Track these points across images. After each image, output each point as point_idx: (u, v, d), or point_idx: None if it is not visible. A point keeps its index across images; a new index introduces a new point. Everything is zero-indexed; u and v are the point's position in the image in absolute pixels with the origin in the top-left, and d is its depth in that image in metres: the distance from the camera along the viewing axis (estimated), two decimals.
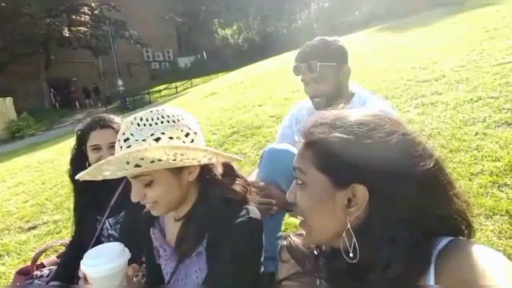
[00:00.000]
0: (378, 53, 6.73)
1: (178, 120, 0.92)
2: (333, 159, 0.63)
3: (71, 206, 1.69)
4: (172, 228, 1.06)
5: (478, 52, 4.60)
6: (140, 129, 0.88)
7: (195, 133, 0.94)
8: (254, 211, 0.97)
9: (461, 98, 3.26)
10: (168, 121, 0.90)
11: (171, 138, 0.89)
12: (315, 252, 0.76)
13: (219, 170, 1.02)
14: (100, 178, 0.89)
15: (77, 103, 25.73)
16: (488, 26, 6.02)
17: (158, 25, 32.37)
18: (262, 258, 1.03)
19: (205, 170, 0.99)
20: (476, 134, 2.52)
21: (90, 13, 25.05)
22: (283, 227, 1.95)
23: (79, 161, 1.56)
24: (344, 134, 0.63)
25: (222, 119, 5.15)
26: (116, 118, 1.60)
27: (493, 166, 2.06)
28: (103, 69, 28.64)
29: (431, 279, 0.59)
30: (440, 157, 0.66)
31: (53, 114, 21.68)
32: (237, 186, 1.01)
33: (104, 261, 0.86)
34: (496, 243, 1.52)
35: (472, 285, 0.52)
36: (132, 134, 0.88)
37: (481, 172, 2.05)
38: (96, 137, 1.53)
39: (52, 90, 25.73)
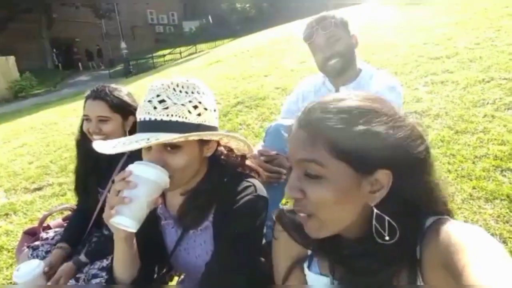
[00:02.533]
0: (390, 25, 6.48)
1: (208, 94, 0.95)
2: (357, 147, 0.61)
3: None
4: (174, 199, 1.07)
5: (495, 30, 4.43)
6: (177, 94, 0.89)
7: (216, 110, 0.97)
8: (260, 187, 0.98)
9: (472, 78, 3.18)
10: (203, 92, 0.93)
11: (206, 109, 0.91)
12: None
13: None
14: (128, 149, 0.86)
15: (80, 64, 25.39)
16: (507, 2, 5.75)
17: None
18: (265, 230, 1.05)
19: (216, 147, 1.01)
20: (485, 116, 2.48)
21: None
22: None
23: (82, 128, 1.56)
24: (364, 122, 0.62)
25: (227, 88, 5.08)
26: (118, 90, 1.54)
27: (498, 150, 2.04)
28: (106, 30, 27.98)
29: (417, 250, 0.63)
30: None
31: (55, 75, 21.44)
32: (246, 161, 1.02)
33: (157, 167, 0.84)
34: (493, 227, 1.55)
35: (449, 262, 0.55)
36: (169, 97, 0.88)
37: (486, 156, 2.04)
38: (88, 107, 1.50)
39: (54, 50, 25.30)
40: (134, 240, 0.93)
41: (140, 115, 0.90)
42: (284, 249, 0.82)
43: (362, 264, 0.67)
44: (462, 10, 6.28)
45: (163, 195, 1.11)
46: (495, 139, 2.17)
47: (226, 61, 8.14)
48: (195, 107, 0.89)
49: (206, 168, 1.02)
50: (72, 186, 1.80)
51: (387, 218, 0.62)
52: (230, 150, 1.06)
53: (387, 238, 0.62)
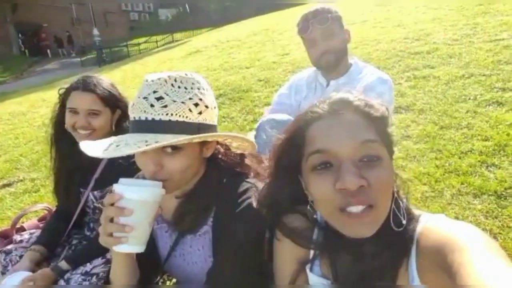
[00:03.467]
0: (369, 20, 6.55)
1: (209, 90, 0.87)
2: (388, 133, 0.67)
3: (49, 164, 1.56)
4: (168, 201, 0.99)
5: (472, 27, 4.55)
6: (176, 91, 0.80)
7: (216, 106, 0.91)
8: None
9: (453, 74, 3.25)
10: (204, 88, 0.85)
11: (206, 107, 0.84)
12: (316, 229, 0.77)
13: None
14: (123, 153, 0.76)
15: (48, 51, 24.11)
16: (481, 0, 5.93)
17: None
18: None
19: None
20: (467, 111, 2.53)
21: None
22: None
23: (61, 123, 1.43)
24: (385, 112, 0.68)
25: (208, 80, 4.90)
26: (105, 81, 1.43)
27: (483, 146, 2.09)
28: (77, 16, 26.65)
29: (412, 256, 0.63)
30: None
31: (22, 61, 20.29)
32: (246, 160, 0.95)
33: (148, 185, 0.78)
34: (483, 222, 1.57)
35: (444, 261, 0.54)
36: (167, 94, 0.79)
37: (471, 151, 2.08)
38: (75, 99, 1.37)
39: (20, 35, 23.84)
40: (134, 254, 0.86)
41: (135, 114, 0.81)
42: (289, 251, 0.79)
43: (366, 247, 0.66)
44: (438, 7, 6.42)
45: None
46: (479, 134, 2.22)
47: (206, 52, 7.95)
48: (196, 104, 0.81)
49: (204, 169, 0.95)
50: (46, 182, 1.67)
51: (403, 203, 0.66)
52: (228, 148, 0.99)
53: (404, 222, 0.64)
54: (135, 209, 0.75)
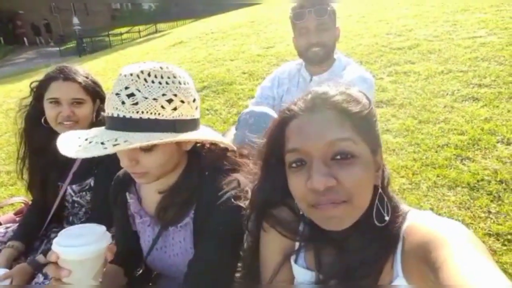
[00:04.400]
0: (353, 15, 6.59)
1: (188, 83, 0.85)
2: (370, 128, 0.66)
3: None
4: (150, 195, 0.99)
5: (452, 24, 4.66)
6: (149, 86, 0.78)
7: (198, 99, 0.88)
8: (244, 182, 0.93)
9: (432, 69, 3.33)
10: (179, 82, 0.82)
11: (182, 101, 0.81)
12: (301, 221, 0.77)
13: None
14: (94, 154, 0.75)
15: (25, 39, 23.21)
16: None
17: None
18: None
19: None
20: (445, 106, 2.61)
21: None
22: None
23: (35, 117, 1.39)
24: (366, 106, 0.67)
25: (192, 72, 4.89)
26: (82, 70, 1.40)
27: (458, 140, 2.16)
28: (56, 3, 25.68)
29: (398, 253, 0.64)
30: None
31: None
32: (228, 154, 0.96)
33: (85, 242, 0.74)
34: (456, 213, 1.64)
35: (428, 258, 0.55)
36: (139, 90, 0.77)
37: (447, 145, 2.15)
38: (56, 89, 1.34)
39: None
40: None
41: (108, 110, 0.80)
42: (275, 242, 0.80)
43: (350, 241, 0.67)
44: (420, 3, 6.54)
45: (136, 192, 1.03)
46: (455, 129, 2.29)
47: (190, 43, 7.83)
48: (170, 100, 0.79)
49: (186, 160, 0.95)
50: (24, 175, 1.61)
51: (386, 199, 0.66)
52: (213, 143, 0.99)
53: (386, 218, 0.64)
54: (73, 269, 0.73)
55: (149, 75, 0.79)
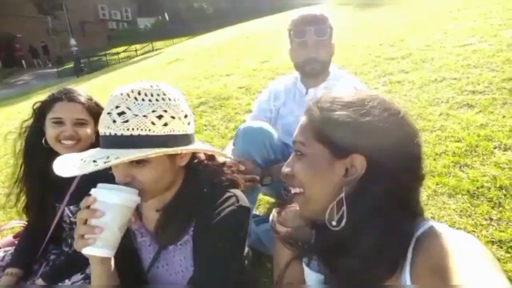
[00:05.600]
0: (346, 26, 6.71)
1: (178, 99, 0.87)
2: (333, 132, 0.69)
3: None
4: (150, 214, 0.99)
5: (443, 32, 4.74)
6: (139, 104, 0.80)
7: (191, 115, 0.90)
8: (242, 197, 0.93)
9: (426, 78, 3.37)
10: (169, 99, 0.84)
11: (173, 117, 0.83)
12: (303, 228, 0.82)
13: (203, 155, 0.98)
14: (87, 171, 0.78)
15: (23, 62, 23.45)
16: (451, 7, 6.20)
17: None
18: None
19: (193, 154, 0.94)
20: (440, 114, 2.63)
21: None
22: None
23: (36, 138, 1.40)
24: (344, 110, 0.69)
25: (189, 89, 4.94)
26: (83, 94, 1.43)
27: (456, 147, 2.17)
28: (53, 26, 26.07)
29: (407, 265, 0.64)
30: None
31: None
32: (225, 169, 0.96)
33: (123, 190, 0.80)
34: (457, 221, 1.63)
35: (441, 270, 0.57)
36: (129, 108, 0.80)
37: (445, 152, 2.16)
38: (60, 110, 1.36)
39: None
40: (112, 261, 0.85)
41: (101, 129, 0.83)
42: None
43: (339, 262, 0.70)
44: (411, 13, 6.67)
45: (138, 210, 1.03)
46: (452, 136, 2.31)
47: (186, 60, 7.94)
48: (160, 116, 0.81)
49: (183, 177, 0.95)
50: (23, 197, 1.61)
51: (344, 207, 0.68)
52: (210, 157, 1.00)
53: (334, 223, 0.69)
54: (105, 211, 0.77)
55: (139, 93, 0.82)
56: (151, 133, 0.80)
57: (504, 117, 2.41)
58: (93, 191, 0.80)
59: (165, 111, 0.82)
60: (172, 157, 0.88)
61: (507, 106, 2.54)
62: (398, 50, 4.46)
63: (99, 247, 0.77)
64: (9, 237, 1.75)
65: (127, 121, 0.79)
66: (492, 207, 1.66)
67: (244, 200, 0.94)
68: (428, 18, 5.83)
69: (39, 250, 1.48)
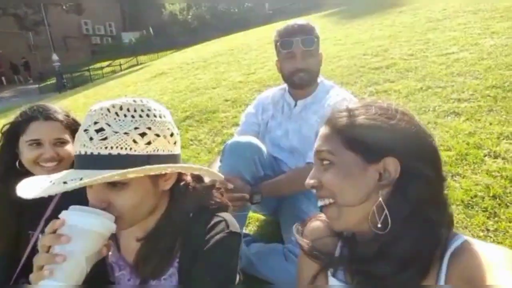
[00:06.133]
0: (330, 38, 6.79)
1: (165, 116, 0.79)
2: (364, 136, 0.68)
3: None
4: (129, 243, 0.90)
5: (425, 42, 4.83)
6: (120, 120, 0.72)
7: (177, 133, 0.82)
8: (232, 222, 0.85)
9: (411, 87, 3.38)
10: (154, 115, 0.76)
11: (157, 135, 0.75)
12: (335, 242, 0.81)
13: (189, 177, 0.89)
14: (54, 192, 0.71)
15: (3, 79, 22.94)
16: (431, 17, 6.37)
17: None
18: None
19: (178, 176, 0.85)
20: (428, 123, 2.62)
21: None
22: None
23: (8, 161, 1.29)
24: (370, 115, 0.70)
25: (174, 103, 4.86)
26: (60, 109, 1.32)
27: (446, 156, 2.15)
28: (34, 41, 25.69)
29: (442, 277, 0.64)
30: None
31: None
32: (214, 192, 0.88)
33: (96, 215, 0.70)
34: None
35: (477, 282, 0.58)
36: (108, 124, 0.71)
37: None
38: (37, 130, 1.25)
39: None
40: None
41: (76, 148, 0.74)
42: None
43: (376, 268, 0.68)
44: (392, 24, 6.81)
45: (116, 239, 0.93)
46: (441, 145, 2.29)
47: (171, 74, 7.86)
48: (143, 134, 0.73)
49: (167, 202, 0.87)
50: None
51: (386, 211, 0.66)
52: (198, 178, 0.92)
53: (379, 225, 0.67)
54: (74, 236, 0.67)
55: (120, 109, 0.74)
56: (132, 152, 0.72)
57: (491, 124, 2.41)
58: (62, 213, 0.70)
59: (149, 128, 0.74)
60: (155, 180, 0.79)
61: (493, 113, 2.56)
62: (382, 60, 4.51)
63: (57, 281, 0.64)
64: None
65: (105, 138, 0.70)
66: (488, 217, 1.63)
67: (235, 225, 0.85)
68: (409, 29, 5.96)
69: (10, 281, 1.35)
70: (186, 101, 4.78)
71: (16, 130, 1.29)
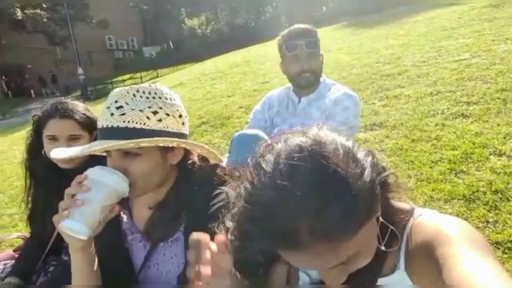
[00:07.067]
0: (344, 48, 6.89)
1: (174, 100, 0.93)
2: (375, 200, 0.58)
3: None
4: (142, 211, 1.02)
5: (437, 49, 4.85)
6: (137, 99, 0.87)
7: (186, 116, 0.95)
8: (233, 195, 0.96)
9: (422, 92, 3.43)
10: (166, 98, 0.91)
11: (167, 114, 0.89)
12: None
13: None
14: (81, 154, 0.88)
15: (32, 91, 24.10)
16: (446, 26, 6.37)
17: (121, 12, 30.93)
18: None
19: (186, 154, 0.98)
20: (436, 125, 2.66)
21: None
22: None
23: (35, 149, 1.45)
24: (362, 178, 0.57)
25: (191, 110, 5.05)
26: (80, 106, 1.47)
27: (451, 155, 2.19)
28: (62, 56, 27.01)
29: (402, 253, 0.65)
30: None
31: (5, 103, 20.19)
32: (218, 171, 1.00)
33: (115, 173, 0.83)
34: None
35: (431, 254, 0.57)
36: (127, 103, 0.86)
37: (441, 160, 2.18)
38: (54, 127, 1.39)
39: (3, 77, 23.87)
40: (94, 252, 0.88)
41: (99, 122, 0.89)
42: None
43: None
44: (406, 34, 6.85)
45: (129, 208, 1.06)
46: (447, 145, 2.33)
47: (189, 84, 8.13)
48: (155, 112, 0.87)
49: (175, 177, 0.99)
50: (24, 216, 1.64)
51: (391, 226, 0.62)
52: (204, 158, 1.04)
53: (382, 248, 0.61)
54: (93, 187, 0.79)
55: (137, 91, 0.89)
56: (145, 126, 0.85)
57: (498, 125, 2.44)
58: (87, 170, 0.83)
59: (161, 108, 0.88)
60: (164, 153, 0.91)
61: (501, 115, 2.58)
62: (394, 67, 4.56)
63: (74, 220, 0.76)
64: (9, 251, 1.77)
65: (124, 114, 0.85)
66: (488, 210, 1.66)
67: (234, 198, 0.96)
68: (423, 37, 5.99)
69: (39, 259, 1.49)
70: (202, 109, 4.96)
71: (38, 124, 1.45)
